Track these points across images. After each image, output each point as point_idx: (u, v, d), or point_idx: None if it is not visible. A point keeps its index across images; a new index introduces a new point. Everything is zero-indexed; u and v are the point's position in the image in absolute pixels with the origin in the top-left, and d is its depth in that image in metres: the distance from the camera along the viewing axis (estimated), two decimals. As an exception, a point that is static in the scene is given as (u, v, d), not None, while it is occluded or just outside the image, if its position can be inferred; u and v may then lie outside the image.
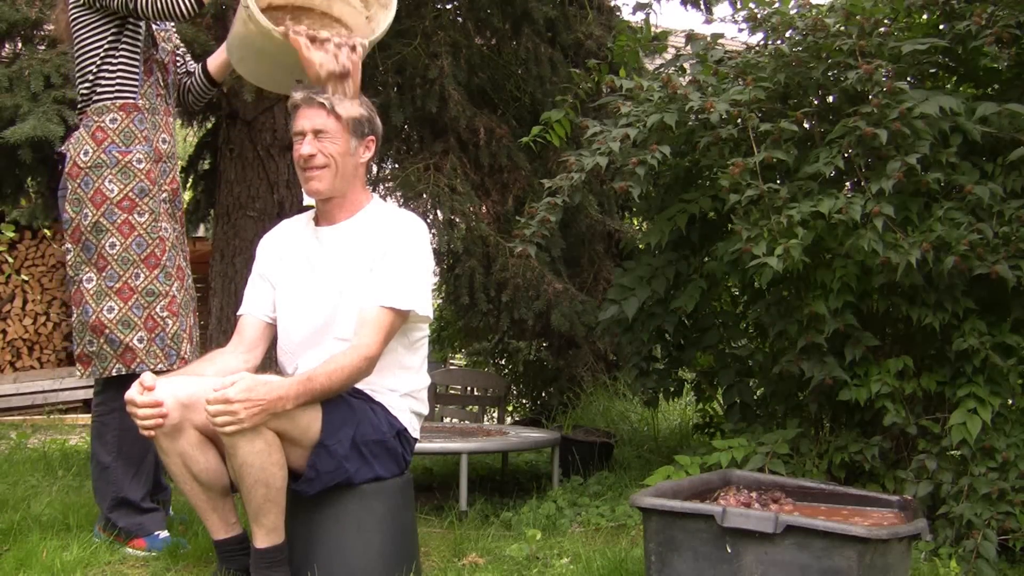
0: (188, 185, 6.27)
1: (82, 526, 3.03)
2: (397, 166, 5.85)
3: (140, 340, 2.76)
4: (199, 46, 4.32)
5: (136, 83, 2.85)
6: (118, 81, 2.84)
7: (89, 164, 2.79)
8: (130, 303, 2.76)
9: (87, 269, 2.79)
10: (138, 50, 2.87)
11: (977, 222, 3.08)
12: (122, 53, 2.85)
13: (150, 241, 2.80)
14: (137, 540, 2.82)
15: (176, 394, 2.29)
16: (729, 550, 2.19)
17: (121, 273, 2.76)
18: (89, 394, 8.01)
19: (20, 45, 4.66)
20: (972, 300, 3.21)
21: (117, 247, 2.77)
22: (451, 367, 9.02)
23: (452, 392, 7.12)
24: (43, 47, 4.50)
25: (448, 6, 5.72)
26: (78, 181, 2.80)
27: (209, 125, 6.00)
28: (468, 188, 5.08)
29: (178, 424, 2.29)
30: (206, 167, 6.08)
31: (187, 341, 2.84)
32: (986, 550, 2.86)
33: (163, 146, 2.91)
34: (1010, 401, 3.20)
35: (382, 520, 2.44)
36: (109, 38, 2.83)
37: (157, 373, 2.75)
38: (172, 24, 3.11)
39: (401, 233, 2.51)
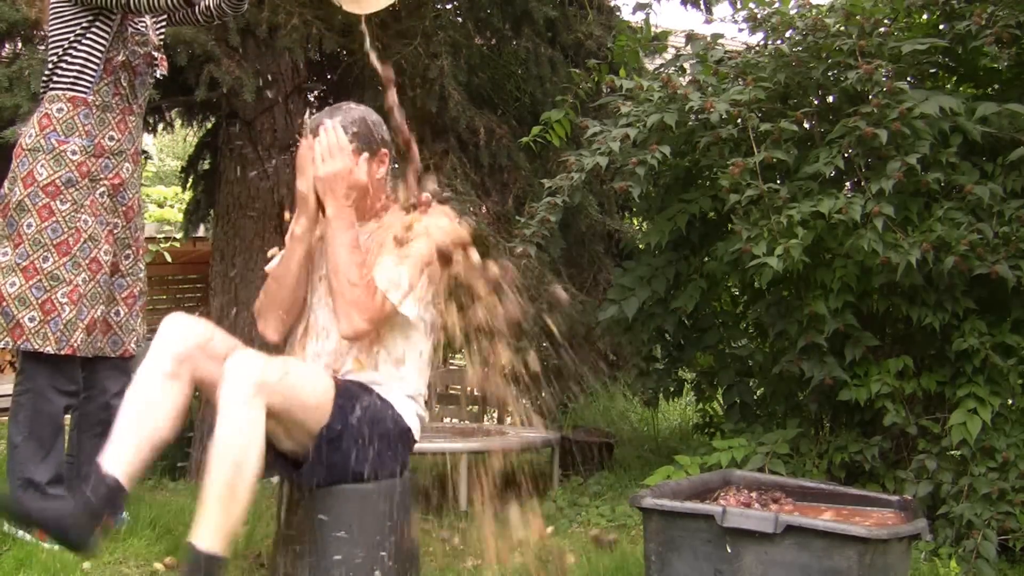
0: (188, 185, 6.26)
1: (82, 526, 3.02)
2: (397, 166, 5.85)
3: (32, 320, 2.83)
4: (199, 46, 4.33)
5: (91, 80, 2.93)
6: (74, 75, 2.92)
7: (29, 147, 2.89)
8: (31, 283, 2.84)
9: (6, 243, 2.87)
10: (101, 49, 2.95)
11: (977, 222, 3.08)
12: (84, 48, 2.92)
13: (66, 229, 2.87)
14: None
15: (198, 339, 2.28)
16: (729, 550, 2.19)
17: (31, 253, 2.84)
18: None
19: (20, 45, 4.66)
20: (972, 300, 3.21)
21: (33, 228, 2.85)
22: (451, 367, 9.01)
23: (452, 392, 7.11)
24: (43, 47, 4.49)
25: (448, 6, 5.72)
26: (16, 161, 2.90)
27: (209, 125, 6.00)
28: (468, 188, 5.08)
29: (189, 358, 2.26)
30: (206, 167, 6.07)
31: (82, 331, 2.87)
32: (986, 550, 2.86)
33: (108, 143, 2.97)
34: (1010, 401, 3.20)
35: (382, 520, 2.44)
36: (77, 31, 2.92)
37: (40, 355, 2.81)
38: (160, 25, 3.14)
39: (421, 230, 2.50)
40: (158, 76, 3.20)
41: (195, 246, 8.41)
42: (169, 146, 17.12)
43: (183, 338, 2.28)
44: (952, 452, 3.07)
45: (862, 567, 2.08)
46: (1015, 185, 3.16)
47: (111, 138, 2.97)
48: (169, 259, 8.88)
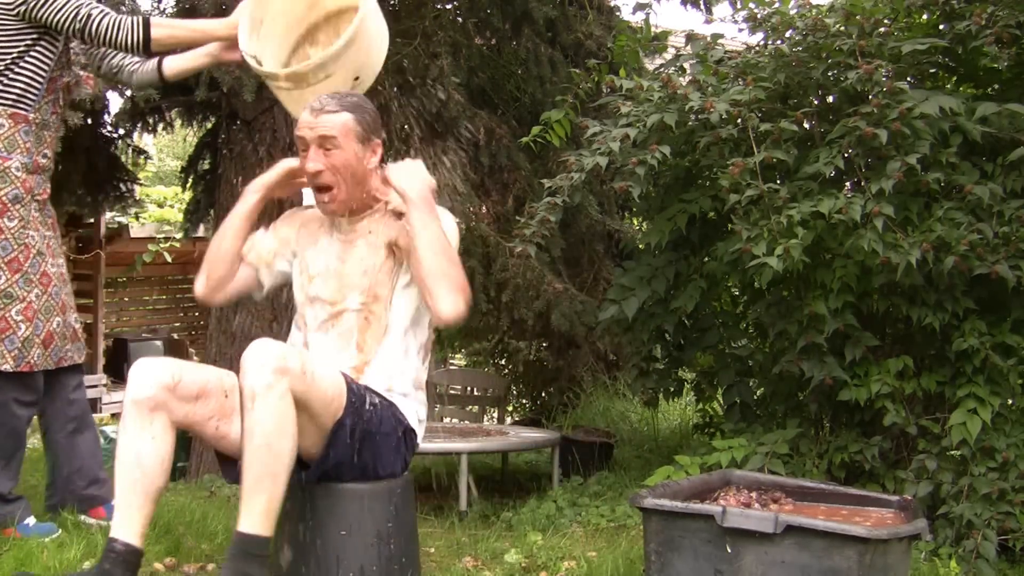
0: (188, 185, 6.26)
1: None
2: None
3: None
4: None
5: (35, 98, 2.89)
6: (19, 92, 2.86)
7: None
8: None
9: None
10: (46, 68, 2.90)
11: (977, 222, 3.08)
12: (29, 65, 2.87)
13: (15, 246, 2.85)
14: (6, 530, 2.83)
15: (165, 381, 2.28)
16: (729, 550, 2.19)
17: None
18: (91, 394, 7.98)
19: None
20: (972, 300, 3.21)
21: None
22: (451, 367, 9.03)
23: (452, 392, 7.12)
24: None
25: (448, 6, 5.73)
26: None
27: (209, 125, 6.00)
28: (468, 188, 5.08)
29: (162, 403, 2.27)
30: (206, 167, 6.08)
31: (39, 347, 2.87)
32: (986, 550, 2.87)
33: (43, 160, 2.95)
34: (1010, 401, 3.21)
35: (382, 520, 2.44)
36: (21, 48, 2.85)
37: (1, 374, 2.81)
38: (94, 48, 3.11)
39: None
40: (84, 94, 3.20)
41: (195, 246, 8.43)
42: (169, 146, 17.13)
43: (151, 386, 2.28)
44: (952, 452, 3.07)
45: (862, 567, 2.08)
46: (1015, 185, 3.16)
47: (45, 156, 2.95)
48: (169, 259, 8.89)
